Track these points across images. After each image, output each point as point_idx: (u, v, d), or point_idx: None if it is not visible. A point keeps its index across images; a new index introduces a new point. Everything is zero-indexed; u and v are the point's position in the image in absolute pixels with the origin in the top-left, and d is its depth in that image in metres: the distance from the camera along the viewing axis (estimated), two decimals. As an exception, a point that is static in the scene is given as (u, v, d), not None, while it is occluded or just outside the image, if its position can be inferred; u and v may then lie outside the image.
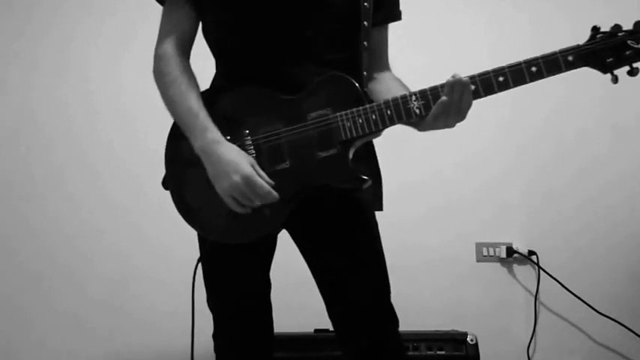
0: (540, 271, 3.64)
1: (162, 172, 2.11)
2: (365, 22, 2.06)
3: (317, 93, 1.96)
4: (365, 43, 2.06)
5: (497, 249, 3.68)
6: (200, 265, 2.17)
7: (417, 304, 3.58)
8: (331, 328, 2.12)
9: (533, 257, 3.65)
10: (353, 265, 2.06)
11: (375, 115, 1.89)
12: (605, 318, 3.57)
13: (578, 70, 1.78)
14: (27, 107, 3.75)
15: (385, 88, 2.12)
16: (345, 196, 2.00)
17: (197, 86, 2.05)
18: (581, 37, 1.80)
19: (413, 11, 3.55)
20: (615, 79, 1.76)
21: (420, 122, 1.91)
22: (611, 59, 1.74)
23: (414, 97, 1.87)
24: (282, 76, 2.00)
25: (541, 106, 3.64)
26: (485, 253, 3.69)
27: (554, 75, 1.78)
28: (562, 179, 3.70)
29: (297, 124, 1.95)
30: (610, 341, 3.64)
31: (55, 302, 3.63)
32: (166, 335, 3.46)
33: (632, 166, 3.70)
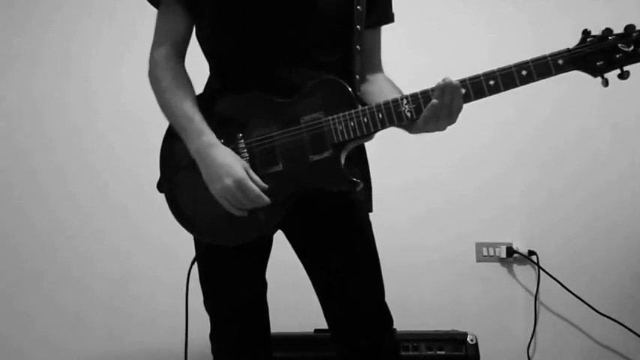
0: (540, 271, 3.63)
1: (162, 172, 2.13)
2: (358, 26, 2.06)
3: (310, 96, 1.97)
4: (357, 46, 2.07)
5: (497, 249, 3.68)
6: (194, 266, 2.18)
7: (417, 304, 3.59)
8: (331, 329, 2.14)
9: (533, 257, 3.65)
10: (350, 266, 2.07)
11: (367, 119, 1.90)
12: (605, 318, 3.56)
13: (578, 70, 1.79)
14: (27, 107, 3.76)
15: (377, 89, 2.13)
16: (339, 197, 2.01)
17: (192, 90, 2.06)
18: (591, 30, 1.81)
19: (413, 11, 3.60)
20: (606, 83, 1.76)
21: (411, 125, 1.91)
22: (601, 62, 1.74)
23: (405, 101, 1.88)
24: (276, 79, 2.01)
25: (541, 106, 3.63)
26: (485, 253, 3.69)
27: (544, 78, 1.78)
28: (562, 179, 3.70)
29: (290, 127, 1.96)
30: (610, 341, 3.63)
31: (55, 301, 3.64)
32: (166, 334, 3.46)
33: (632, 166, 3.69)
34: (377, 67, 2.24)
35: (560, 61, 1.76)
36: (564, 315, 3.65)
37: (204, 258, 2.17)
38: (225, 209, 1.96)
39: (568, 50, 1.77)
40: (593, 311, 3.56)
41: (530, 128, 3.71)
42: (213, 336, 2.23)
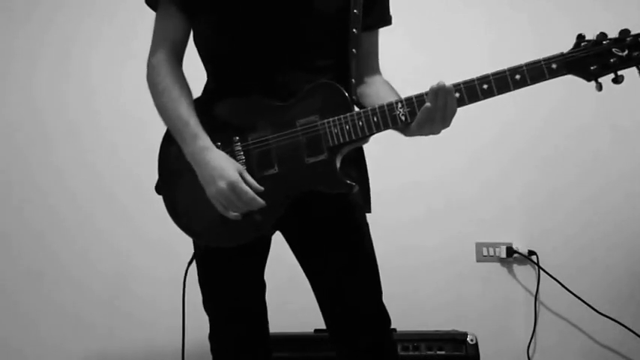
0: (540, 271, 3.63)
1: (162, 172, 2.13)
2: (354, 30, 2.07)
3: (306, 100, 1.98)
4: (354, 50, 2.08)
5: (497, 249, 3.67)
6: (191, 265, 2.20)
7: (417, 304, 3.59)
8: (331, 329, 2.14)
9: (533, 257, 3.65)
10: (347, 267, 2.08)
11: (362, 122, 1.91)
12: (605, 318, 3.56)
13: (578, 70, 1.79)
14: (27, 107, 3.76)
15: (375, 91, 2.14)
16: (336, 199, 2.01)
17: (189, 94, 2.07)
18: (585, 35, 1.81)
19: (413, 11, 3.60)
20: (600, 87, 1.76)
21: (406, 128, 1.92)
22: (595, 67, 1.75)
23: (399, 105, 1.89)
24: (273, 83, 2.03)
25: (541, 106, 3.62)
26: (485, 253, 3.69)
27: (538, 82, 1.78)
28: (562, 179, 3.69)
29: (287, 130, 1.97)
30: (610, 341, 3.63)
31: (55, 301, 3.64)
32: (167, 334, 3.47)
33: (632, 166, 3.68)
34: (375, 70, 2.24)
35: (554, 66, 1.77)
36: (564, 315, 3.65)
37: (203, 259, 2.19)
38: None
39: (562, 54, 1.78)
40: (593, 311, 3.56)
41: (530, 128, 3.71)
42: (212, 336, 2.24)
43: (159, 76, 2.06)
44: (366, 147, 2.15)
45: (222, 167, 1.93)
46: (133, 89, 3.40)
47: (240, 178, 1.92)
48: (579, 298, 3.56)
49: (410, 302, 3.53)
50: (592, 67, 1.75)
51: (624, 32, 1.75)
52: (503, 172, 3.71)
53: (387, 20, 2.22)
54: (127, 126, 3.69)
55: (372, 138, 1.98)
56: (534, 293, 3.65)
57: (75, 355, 3.61)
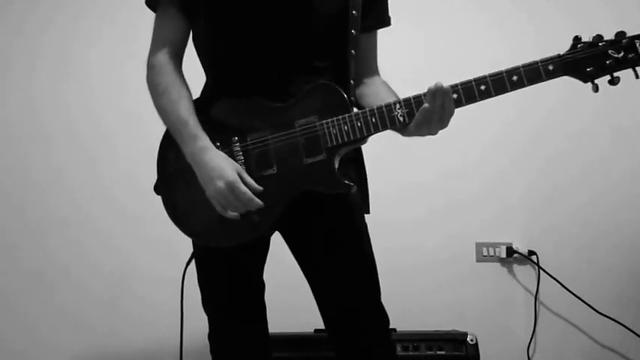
0: (540, 271, 3.63)
1: (162, 171, 2.13)
2: (353, 31, 2.08)
3: (305, 101, 1.99)
4: (352, 51, 2.08)
5: (497, 249, 3.67)
6: (190, 265, 2.20)
7: (417, 304, 3.59)
8: (331, 329, 2.15)
9: (533, 257, 3.64)
10: (347, 268, 2.08)
11: (360, 123, 1.92)
12: (606, 318, 3.56)
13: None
14: (27, 107, 3.76)
15: (374, 92, 2.16)
16: (334, 200, 2.02)
17: (188, 95, 2.08)
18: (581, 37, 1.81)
19: (413, 11, 3.60)
20: (596, 88, 1.77)
21: (404, 129, 1.94)
22: (591, 68, 1.76)
23: (397, 105, 1.90)
24: (272, 84, 2.03)
25: (541, 106, 3.62)
26: (485, 253, 3.68)
27: (535, 84, 1.79)
28: (562, 179, 3.69)
29: (285, 131, 1.98)
30: (610, 341, 3.63)
31: (55, 301, 3.64)
32: (167, 333, 3.47)
33: (632, 166, 3.68)
34: (373, 71, 2.26)
35: (551, 67, 1.78)
36: (564, 315, 3.65)
37: (202, 259, 2.20)
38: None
39: (559, 56, 1.79)
40: (593, 311, 3.56)
41: (530, 128, 3.71)
42: (212, 336, 2.25)
43: (159, 77, 2.07)
44: (365, 147, 2.16)
45: (221, 167, 1.94)
46: (133, 89, 3.41)
47: (238, 179, 1.92)
48: (579, 298, 3.56)
49: (410, 302, 3.53)
50: (588, 69, 1.77)
51: (620, 34, 1.77)
52: (503, 172, 3.71)
53: (385, 21, 2.23)
54: (127, 126, 3.69)
55: (372, 138, 1.99)
56: (534, 293, 3.65)
57: (75, 355, 3.60)
